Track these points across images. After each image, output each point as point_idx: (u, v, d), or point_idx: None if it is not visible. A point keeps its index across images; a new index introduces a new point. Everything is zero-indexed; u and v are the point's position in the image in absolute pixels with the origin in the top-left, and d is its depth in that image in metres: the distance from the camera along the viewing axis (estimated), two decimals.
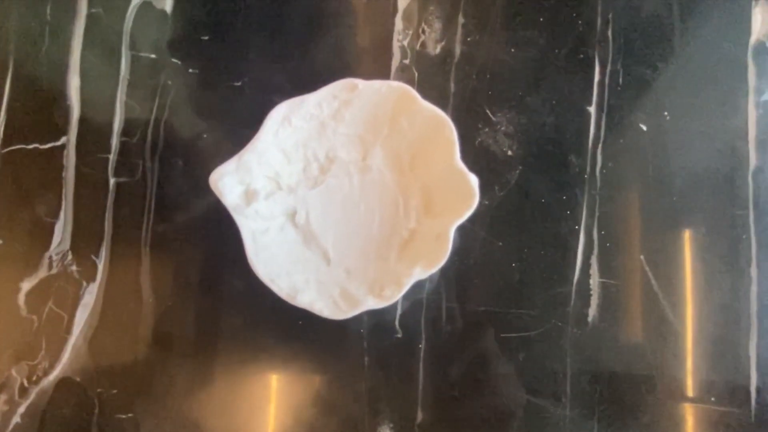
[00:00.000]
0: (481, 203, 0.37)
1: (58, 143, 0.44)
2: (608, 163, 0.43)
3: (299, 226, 0.41)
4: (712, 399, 0.41)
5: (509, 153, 0.43)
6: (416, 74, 0.44)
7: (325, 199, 0.41)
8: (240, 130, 0.40)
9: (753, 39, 0.45)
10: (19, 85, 0.45)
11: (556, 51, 0.45)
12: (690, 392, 0.41)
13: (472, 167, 0.38)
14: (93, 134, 0.44)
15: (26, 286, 0.42)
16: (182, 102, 0.44)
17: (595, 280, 0.42)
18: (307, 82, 0.40)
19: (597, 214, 0.43)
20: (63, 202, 0.43)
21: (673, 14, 0.45)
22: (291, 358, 0.42)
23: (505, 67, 0.44)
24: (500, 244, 0.42)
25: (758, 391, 0.41)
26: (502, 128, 0.44)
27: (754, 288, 0.42)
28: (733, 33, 0.45)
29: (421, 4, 0.45)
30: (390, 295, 0.36)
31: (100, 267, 0.42)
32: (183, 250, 0.43)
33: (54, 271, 0.42)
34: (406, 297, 0.40)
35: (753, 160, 0.43)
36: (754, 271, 0.42)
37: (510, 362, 0.41)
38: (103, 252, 0.43)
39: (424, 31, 0.45)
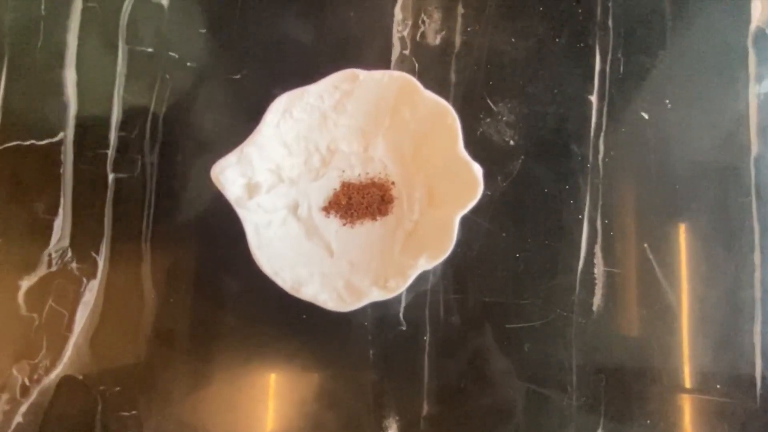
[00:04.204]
0: (483, 194, 0.37)
1: (55, 139, 0.43)
2: (610, 151, 0.43)
3: (301, 218, 0.40)
4: (717, 386, 0.41)
5: (511, 143, 0.43)
6: (416, 65, 0.44)
7: (327, 192, 0.41)
8: (240, 123, 0.40)
9: (753, 26, 0.45)
10: (14, 81, 0.44)
11: (557, 40, 0.44)
12: (695, 380, 0.41)
13: (474, 158, 0.38)
14: (91, 130, 0.43)
15: (26, 284, 0.42)
16: (181, 96, 0.44)
17: (599, 269, 0.42)
18: (306, 75, 0.39)
19: (600, 203, 0.42)
20: (62, 199, 0.43)
21: (673, 2, 0.45)
22: (295, 352, 0.42)
23: (505, 57, 0.44)
24: (504, 234, 0.42)
25: (763, 377, 0.41)
26: (504, 118, 0.43)
27: (757, 274, 0.42)
28: (733, 20, 0.45)
29: None
30: (395, 287, 0.36)
31: (101, 264, 0.42)
32: (184, 245, 0.42)
33: (54, 268, 0.42)
34: (409, 289, 0.40)
35: (754, 147, 0.43)
36: (757, 258, 0.42)
37: (515, 353, 0.41)
38: (104, 249, 0.42)
39: (423, 22, 0.45)
